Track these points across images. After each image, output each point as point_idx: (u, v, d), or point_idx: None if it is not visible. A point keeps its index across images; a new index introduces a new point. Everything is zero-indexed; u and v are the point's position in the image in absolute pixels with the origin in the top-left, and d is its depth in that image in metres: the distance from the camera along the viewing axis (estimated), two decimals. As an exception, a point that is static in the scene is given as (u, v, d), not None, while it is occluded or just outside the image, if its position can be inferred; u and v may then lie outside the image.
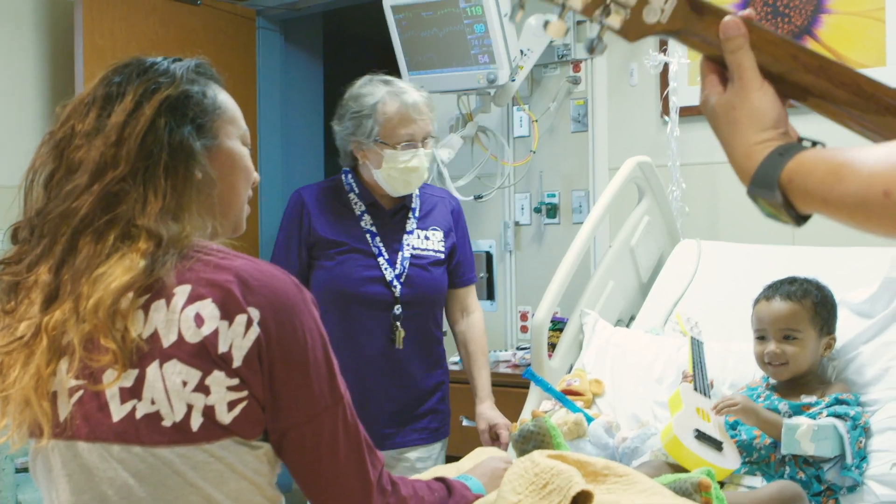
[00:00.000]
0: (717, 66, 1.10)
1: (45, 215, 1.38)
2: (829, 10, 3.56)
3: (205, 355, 1.30)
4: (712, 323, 2.84)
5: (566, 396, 2.61)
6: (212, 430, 1.31)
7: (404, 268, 2.75)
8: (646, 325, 2.99)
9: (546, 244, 4.26)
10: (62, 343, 1.34)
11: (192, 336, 1.31)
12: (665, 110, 3.88)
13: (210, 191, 1.41)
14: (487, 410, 2.85)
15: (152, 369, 1.31)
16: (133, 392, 1.31)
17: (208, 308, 1.31)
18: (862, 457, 2.24)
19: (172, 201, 1.36)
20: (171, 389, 1.30)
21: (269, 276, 1.36)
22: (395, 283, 2.73)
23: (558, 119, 4.19)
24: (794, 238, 3.58)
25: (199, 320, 1.31)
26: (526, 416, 2.72)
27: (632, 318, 3.13)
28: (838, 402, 2.30)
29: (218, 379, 1.31)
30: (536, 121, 4.15)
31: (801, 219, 1.01)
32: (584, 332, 2.92)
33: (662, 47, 3.81)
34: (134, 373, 1.31)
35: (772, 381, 2.48)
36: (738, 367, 2.61)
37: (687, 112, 3.68)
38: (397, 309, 2.73)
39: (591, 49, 1.03)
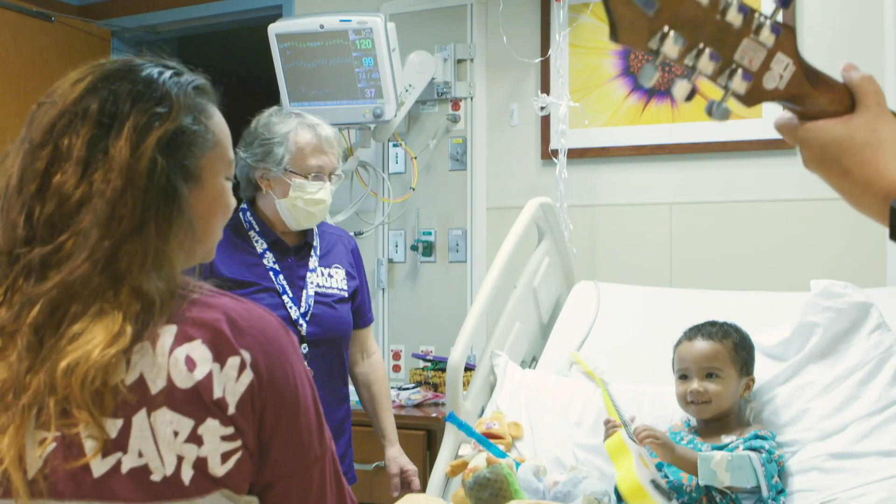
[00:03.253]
0: (803, 111, 1.07)
1: (28, 257, 1.21)
2: (708, 61, 3.69)
3: (198, 402, 1.18)
4: (618, 365, 2.87)
5: (490, 441, 2.56)
6: (203, 483, 1.19)
7: (310, 306, 2.65)
8: (550, 366, 2.98)
9: (420, 283, 4.21)
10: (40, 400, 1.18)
11: (184, 381, 1.18)
12: (545, 152, 3.93)
13: (192, 236, 1.28)
14: (398, 455, 2.78)
15: (139, 419, 1.17)
16: (117, 444, 1.17)
17: (199, 350, 1.19)
18: (779, 490, 2.30)
19: (160, 253, 1.23)
20: (160, 441, 1.17)
21: (258, 317, 1.25)
22: (301, 321, 2.62)
23: (436, 157, 4.16)
24: (672, 281, 3.69)
25: (190, 363, 1.18)
26: (443, 460, 2.65)
27: (534, 360, 3.12)
28: (756, 437, 2.36)
29: (211, 428, 1.18)
30: (416, 158, 4.10)
31: None
32: (495, 374, 2.88)
33: (545, 90, 3.86)
34: (118, 423, 1.17)
35: (693, 424, 2.51)
36: (654, 409, 2.64)
37: (571, 154, 3.73)
38: (304, 348, 2.62)
39: (718, 114, 1.00)
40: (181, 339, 1.18)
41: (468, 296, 4.10)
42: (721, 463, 2.19)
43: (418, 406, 3.64)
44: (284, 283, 2.64)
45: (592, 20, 3.86)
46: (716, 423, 2.46)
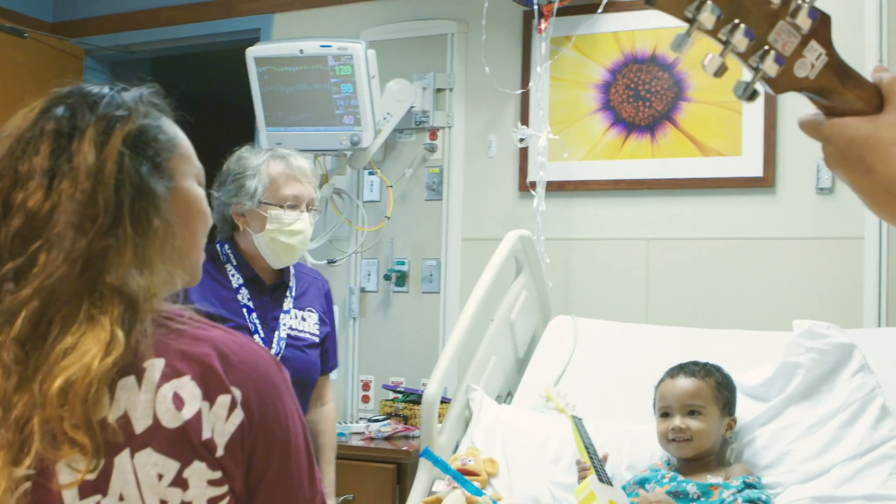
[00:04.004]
0: (830, 106, 1.03)
1: (1, 273, 1.14)
2: (689, 98, 3.68)
3: (185, 443, 1.11)
4: (596, 402, 2.82)
5: (465, 478, 2.49)
6: None
7: (280, 348, 2.56)
8: (526, 402, 2.92)
9: (393, 313, 4.15)
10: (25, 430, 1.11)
11: (171, 420, 1.11)
12: (523, 184, 3.89)
13: (172, 240, 1.21)
14: None
15: (121, 460, 1.10)
16: (97, 486, 1.10)
17: (188, 387, 1.12)
18: None
19: (138, 254, 1.16)
20: (143, 484, 1.10)
21: (250, 351, 1.18)
22: (270, 364, 2.53)
23: (412, 186, 4.11)
24: (648, 317, 3.65)
25: (178, 401, 1.11)
26: (416, 497, 2.57)
27: (509, 395, 3.06)
28: (747, 485, 2.32)
29: (198, 471, 1.12)
30: (391, 186, 4.05)
31: None
32: (470, 409, 2.82)
33: (524, 122, 3.83)
34: (100, 463, 1.09)
35: (674, 462, 2.46)
36: (635, 448, 2.59)
37: (549, 187, 3.69)
38: (270, 392, 2.53)
39: (747, 94, 0.96)
40: (169, 374, 1.12)
41: (441, 327, 4.04)
42: None
43: (388, 439, 3.56)
44: (257, 321, 2.55)
45: (574, 53, 3.84)
46: (697, 462, 2.41)
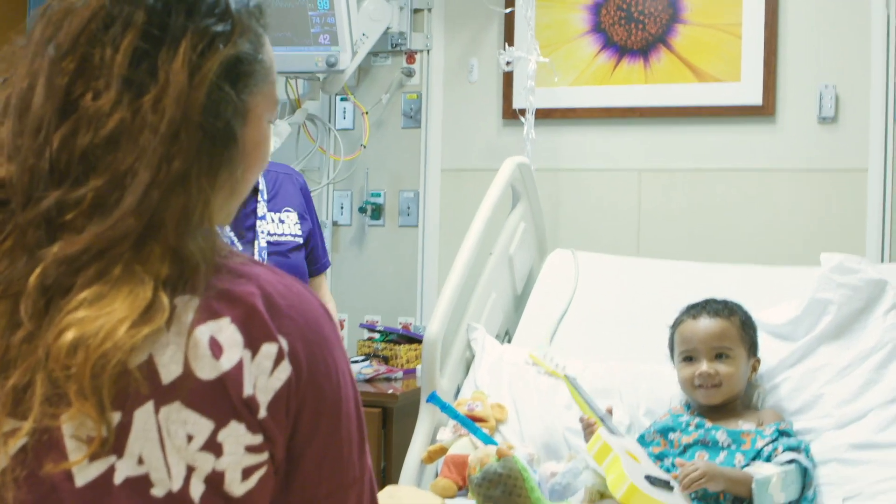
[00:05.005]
0: None
1: (47, 202, 0.91)
2: (685, 20, 3.48)
3: (222, 399, 0.91)
4: (602, 341, 2.65)
5: (478, 426, 2.31)
6: (214, 502, 0.91)
7: (263, 258, 2.35)
8: (527, 342, 2.74)
9: (367, 248, 3.92)
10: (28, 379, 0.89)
11: (206, 370, 0.90)
12: (508, 111, 3.68)
13: (231, 188, 0.99)
14: None
15: (143, 414, 0.89)
16: (112, 445, 0.89)
17: (227, 331, 0.91)
18: None
19: (206, 213, 0.94)
20: (168, 445, 0.90)
21: (298, 295, 0.97)
22: (253, 275, 2.32)
23: (388, 113, 3.87)
24: (639, 251, 3.49)
25: (215, 348, 0.90)
26: (418, 445, 2.39)
27: (506, 334, 2.88)
28: (780, 433, 2.17)
29: (235, 434, 0.91)
30: (367, 113, 3.80)
31: None
32: (472, 349, 2.63)
33: (510, 44, 3.60)
34: (115, 417, 0.88)
35: (696, 406, 2.30)
36: (653, 391, 2.43)
37: (535, 115, 3.48)
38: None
39: None
40: (205, 314, 0.91)
41: (419, 263, 3.83)
42: (777, 484, 1.99)
43: (370, 381, 3.36)
44: (232, 234, 2.33)
45: (564, -29, 3.61)
46: (723, 407, 2.26)
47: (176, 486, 0.90)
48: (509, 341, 2.79)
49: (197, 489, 0.90)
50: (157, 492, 0.89)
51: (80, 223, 0.89)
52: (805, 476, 2.08)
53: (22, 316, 0.87)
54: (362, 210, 3.87)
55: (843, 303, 2.33)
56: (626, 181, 3.57)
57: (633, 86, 3.54)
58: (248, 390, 0.91)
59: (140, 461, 0.89)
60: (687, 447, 2.19)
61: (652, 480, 2.01)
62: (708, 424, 2.21)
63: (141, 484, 0.89)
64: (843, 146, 3.31)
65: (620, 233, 3.55)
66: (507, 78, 3.68)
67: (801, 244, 3.32)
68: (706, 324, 2.27)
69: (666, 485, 2.04)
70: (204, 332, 0.90)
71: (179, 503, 0.90)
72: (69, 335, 0.85)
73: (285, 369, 0.93)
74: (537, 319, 2.79)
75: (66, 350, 0.85)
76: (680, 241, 3.44)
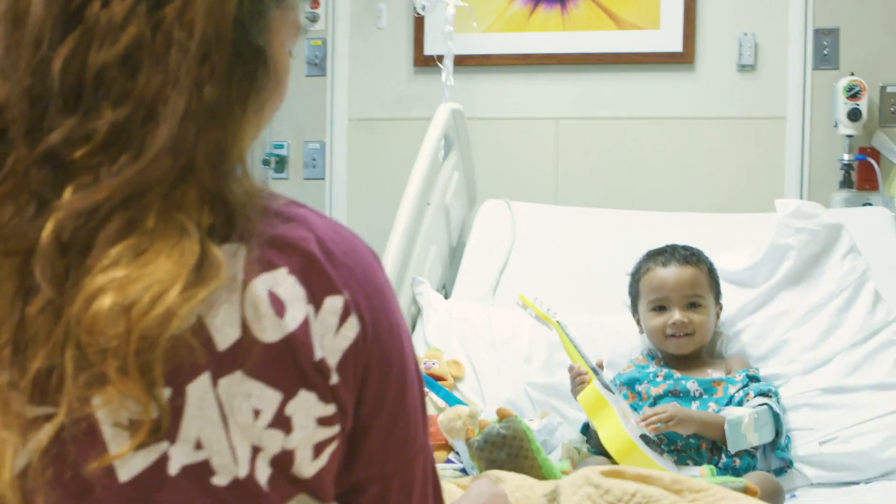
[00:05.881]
0: None
1: (56, 137, 0.72)
2: (604, -35, 3.41)
3: (289, 364, 0.75)
4: (547, 294, 2.55)
5: (440, 384, 2.18)
6: (283, 487, 0.77)
7: None
8: (467, 295, 2.63)
9: (271, 202, 3.72)
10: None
11: (268, 331, 0.75)
12: (419, 58, 3.53)
13: (258, 118, 0.82)
14: None
15: (198, 389, 0.73)
16: (162, 430, 0.73)
17: (286, 283, 0.76)
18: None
19: (240, 142, 0.77)
20: (233, 424, 0.74)
21: (349, 241, 0.82)
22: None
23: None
24: (557, 202, 3.42)
25: (277, 304, 0.75)
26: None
27: (443, 288, 2.75)
28: (750, 378, 2.13)
29: (306, 404, 0.76)
30: (270, 59, 3.58)
31: None
32: (418, 304, 2.49)
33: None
34: (164, 394, 0.72)
35: (660, 356, 2.25)
36: (609, 343, 2.35)
37: (470, 62, 3.35)
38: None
39: None
40: (258, 265, 0.75)
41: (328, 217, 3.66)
42: (750, 424, 1.94)
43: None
44: None
45: (479, -89, 3.47)
46: (688, 356, 2.20)
47: (242, 471, 0.74)
48: (446, 296, 2.66)
49: (263, 473, 0.75)
50: (220, 480, 0.74)
51: (94, 161, 0.71)
52: (777, 421, 2.05)
53: (38, 279, 0.69)
54: (265, 163, 3.67)
55: (802, 248, 2.31)
56: (543, 130, 3.49)
57: (549, 33, 3.46)
58: (318, 352, 0.76)
59: (198, 445, 0.73)
60: (657, 398, 2.12)
61: (647, 440, 1.94)
62: (677, 374, 2.15)
63: (200, 472, 0.74)
64: (761, 94, 3.32)
65: (538, 182, 3.48)
66: (419, 23, 3.53)
67: (720, 191, 3.32)
68: (677, 272, 2.20)
69: (658, 447, 1.97)
70: (260, 286, 0.74)
71: (246, 492, 0.74)
72: (106, 301, 0.68)
73: (353, 326, 0.77)
74: (476, 273, 2.68)
75: (103, 319, 0.68)
76: (599, 191, 3.40)
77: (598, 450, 2.07)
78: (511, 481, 1.55)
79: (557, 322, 2.26)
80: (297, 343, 0.75)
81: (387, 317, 0.81)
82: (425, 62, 3.48)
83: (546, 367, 2.29)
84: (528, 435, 1.66)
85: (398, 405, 0.82)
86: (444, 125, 2.71)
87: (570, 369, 2.13)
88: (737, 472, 1.99)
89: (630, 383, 2.19)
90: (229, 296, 0.74)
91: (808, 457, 2.06)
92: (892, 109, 3.20)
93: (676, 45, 3.35)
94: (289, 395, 0.75)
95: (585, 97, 3.45)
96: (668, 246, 2.30)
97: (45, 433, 0.70)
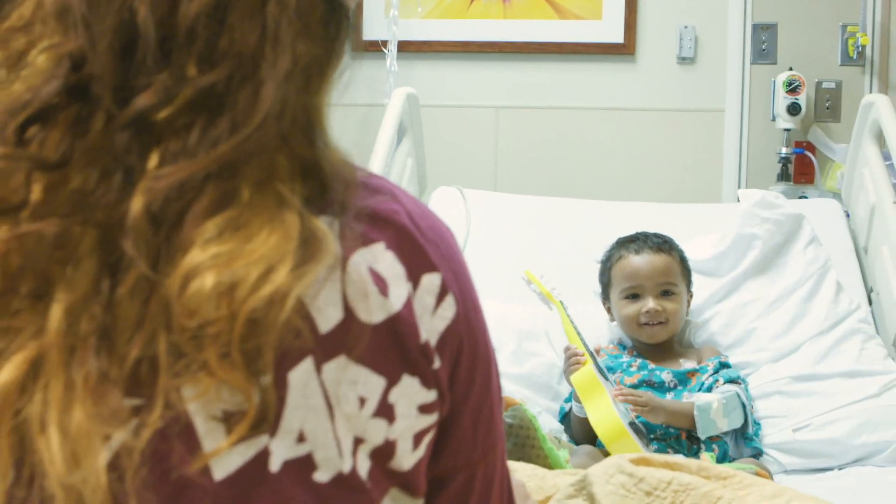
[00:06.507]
0: None
1: (146, 100, 0.64)
2: (547, -46, 3.39)
3: (393, 348, 0.69)
4: (507, 283, 2.53)
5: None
6: (381, 482, 0.70)
7: None
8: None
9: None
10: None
11: (375, 311, 0.68)
12: (357, 43, 3.45)
13: (337, 83, 0.76)
14: None
15: (301, 375, 0.66)
16: (261, 423, 0.65)
17: (386, 259, 0.69)
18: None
19: (326, 105, 0.70)
20: (339, 412, 0.67)
21: (432, 216, 0.75)
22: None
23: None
24: (497, 185, 3.39)
25: (379, 282, 0.69)
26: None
27: (398, 277, 2.69)
28: (722, 364, 2.15)
29: (409, 391, 0.70)
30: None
31: None
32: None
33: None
34: (263, 382, 0.64)
35: (631, 346, 2.24)
36: (584, 330, 2.33)
37: (410, 48, 3.29)
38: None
39: None
40: (354, 239, 0.68)
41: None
42: (718, 410, 1.94)
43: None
44: None
45: None
46: (659, 345, 2.20)
47: (346, 465, 0.67)
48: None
49: (364, 467, 0.68)
50: (322, 476, 0.67)
51: (181, 124, 0.63)
52: (745, 410, 2.06)
53: (131, 255, 0.61)
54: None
55: (768, 238, 2.33)
56: (483, 118, 3.46)
57: (490, 20, 3.42)
58: (423, 335, 0.70)
59: (300, 438, 0.66)
60: (632, 388, 2.11)
61: (636, 429, 1.93)
62: (651, 365, 2.14)
63: (302, 467, 0.66)
64: (701, 87, 3.35)
65: (477, 170, 3.44)
66: (357, 7, 3.44)
67: (660, 182, 3.34)
68: (651, 259, 2.19)
69: (646, 436, 1.96)
70: (359, 262, 0.68)
71: (348, 487, 0.68)
72: (207, 280, 0.60)
73: (450, 306, 0.72)
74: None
75: (204, 300, 0.60)
76: (538, 181, 3.38)
77: (579, 439, 2.05)
78: (521, 471, 1.51)
79: (560, 302, 2.23)
80: (403, 324, 0.68)
81: (472, 296, 0.76)
82: (363, 47, 3.40)
83: (515, 357, 2.26)
84: (533, 423, 1.62)
85: (485, 388, 0.76)
86: (400, 110, 2.65)
87: (566, 349, 2.10)
88: (717, 462, 1.99)
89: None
90: (329, 273, 0.66)
91: (781, 444, 2.08)
92: (826, 105, 3.27)
93: (618, 37, 3.36)
94: (392, 381, 0.69)
95: (526, 86, 3.43)
96: (639, 233, 2.29)
97: (143, 430, 0.62)
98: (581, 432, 2.03)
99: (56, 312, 0.60)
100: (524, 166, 3.43)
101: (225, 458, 0.64)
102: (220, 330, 0.61)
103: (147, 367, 0.62)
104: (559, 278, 2.48)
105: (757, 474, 1.55)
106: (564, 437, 2.06)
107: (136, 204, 0.61)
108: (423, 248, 0.71)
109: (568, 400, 2.15)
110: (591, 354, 2.04)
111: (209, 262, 0.61)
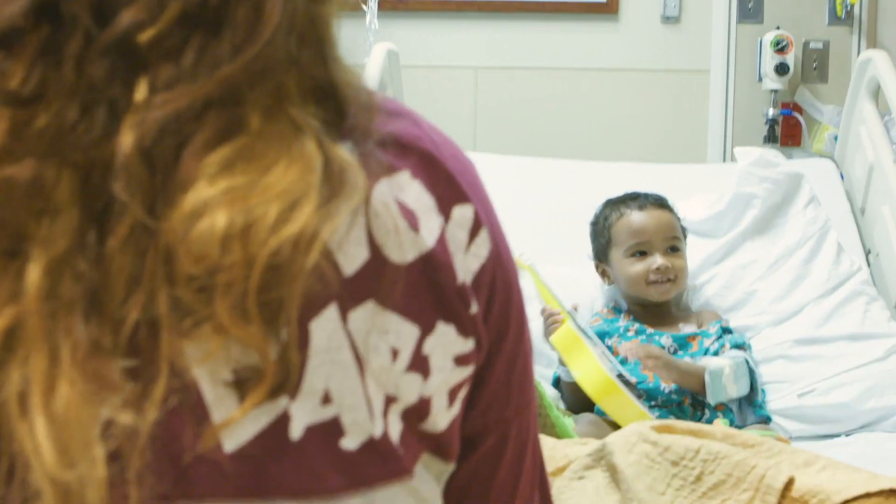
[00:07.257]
0: None
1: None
2: None
3: (426, 291, 0.59)
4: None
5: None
6: (412, 446, 0.60)
7: None
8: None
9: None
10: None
11: (406, 248, 0.58)
12: (331, 0, 3.32)
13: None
14: None
15: (325, 325, 0.56)
16: (285, 381, 0.55)
17: (413, 189, 0.59)
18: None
19: (333, 20, 0.60)
20: (369, 367, 0.57)
21: (454, 144, 0.66)
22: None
23: None
24: (476, 145, 3.29)
25: (409, 215, 0.59)
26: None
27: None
28: (724, 330, 2.07)
29: (444, 340, 0.60)
30: None
31: None
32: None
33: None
34: (283, 336, 0.54)
35: (627, 309, 2.15)
36: (574, 295, 2.24)
37: (385, 6, 3.16)
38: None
39: None
40: (376, 167, 0.58)
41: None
42: (730, 376, 1.86)
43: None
44: None
45: None
46: (658, 308, 2.12)
47: (378, 429, 0.57)
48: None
49: (395, 429, 0.58)
50: (350, 442, 0.56)
51: (172, 44, 0.52)
52: (752, 376, 1.98)
53: (123, 200, 0.50)
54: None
55: (766, 197, 2.26)
56: (461, 79, 3.35)
57: (469, -23, 3.30)
58: (460, 276, 0.60)
59: (326, 399, 0.56)
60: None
61: (624, 381, 1.84)
62: (650, 330, 2.06)
63: (328, 433, 0.56)
64: (685, 47, 3.26)
65: (456, 131, 3.26)
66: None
67: (644, 143, 3.26)
68: (657, 215, 2.11)
69: (635, 390, 1.87)
70: (384, 193, 0.58)
71: (378, 454, 0.57)
72: (219, 219, 0.49)
73: (484, 242, 0.62)
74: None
75: (215, 244, 0.50)
76: (519, 142, 3.27)
77: (574, 406, 1.97)
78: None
79: (530, 265, 2.14)
80: (437, 263, 0.58)
81: (503, 233, 0.66)
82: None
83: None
84: (539, 390, 1.52)
85: (518, 338, 0.66)
86: (381, 68, 2.53)
87: (543, 311, 2.01)
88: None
89: (599, 337, 2.08)
90: (352, 205, 0.55)
91: (786, 409, 2.01)
92: (814, 65, 3.20)
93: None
94: (427, 329, 0.58)
95: (506, 46, 3.32)
96: (633, 193, 2.20)
97: (146, 407, 0.51)
98: (574, 399, 1.95)
99: (33, 273, 0.48)
100: (504, 127, 3.33)
101: (238, 427, 0.54)
102: (234, 278, 0.50)
103: (146, 332, 0.51)
104: (542, 240, 2.39)
105: (778, 440, 1.47)
106: (562, 405, 1.97)
107: (126, 139, 0.50)
108: (453, 177, 0.61)
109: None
110: (569, 313, 1.95)
111: (220, 198, 0.49)
